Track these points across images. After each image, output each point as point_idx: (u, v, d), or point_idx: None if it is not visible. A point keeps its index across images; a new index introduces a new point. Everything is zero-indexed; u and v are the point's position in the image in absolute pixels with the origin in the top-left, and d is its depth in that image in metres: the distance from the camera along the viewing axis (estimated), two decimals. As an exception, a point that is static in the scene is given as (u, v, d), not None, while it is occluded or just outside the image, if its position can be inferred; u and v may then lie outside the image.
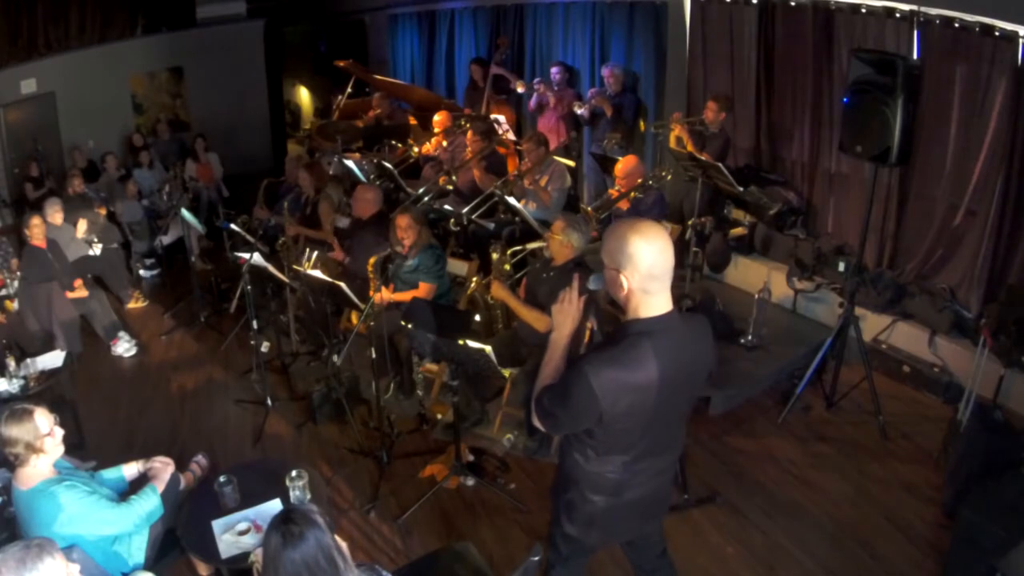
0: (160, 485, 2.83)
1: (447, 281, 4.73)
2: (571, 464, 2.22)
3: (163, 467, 2.94)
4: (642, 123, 5.78)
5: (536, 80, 6.83)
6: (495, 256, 4.34)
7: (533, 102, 6.88)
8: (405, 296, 4.49)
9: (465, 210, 5.44)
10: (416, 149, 6.75)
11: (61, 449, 2.60)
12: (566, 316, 2.14)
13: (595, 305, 4.14)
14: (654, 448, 2.18)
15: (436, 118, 6.89)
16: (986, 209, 4.37)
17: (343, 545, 2.28)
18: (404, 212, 4.55)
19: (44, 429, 2.51)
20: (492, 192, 5.42)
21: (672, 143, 5.59)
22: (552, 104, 6.74)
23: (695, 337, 2.12)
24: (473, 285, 4.46)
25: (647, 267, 1.94)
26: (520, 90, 6.83)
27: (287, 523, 1.87)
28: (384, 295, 4.31)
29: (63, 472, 2.64)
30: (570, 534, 2.31)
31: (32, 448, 2.49)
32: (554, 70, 6.75)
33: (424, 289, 4.48)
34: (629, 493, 2.20)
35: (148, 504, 2.72)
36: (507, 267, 4.29)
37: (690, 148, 5.32)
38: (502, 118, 7.04)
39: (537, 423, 2.14)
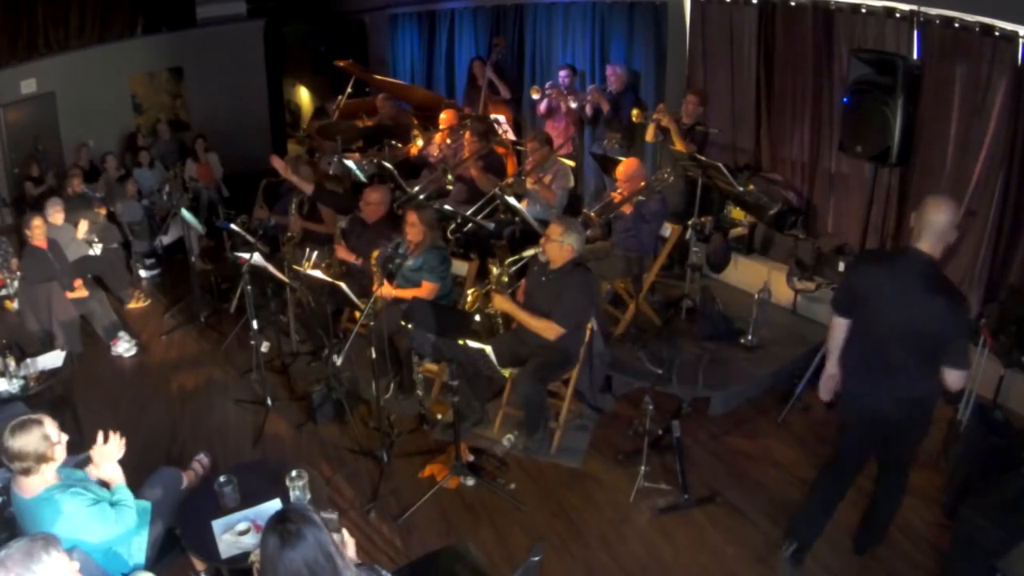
0: (108, 478, 2.73)
1: (450, 283, 4.72)
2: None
3: (100, 457, 2.75)
4: (634, 112, 5.79)
5: (548, 84, 6.76)
6: (494, 271, 4.29)
7: (543, 107, 6.76)
8: (407, 293, 4.49)
9: (468, 212, 5.43)
10: (420, 142, 6.76)
11: (64, 454, 2.60)
12: None
13: (596, 307, 4.16)
14: None
15: (443, 116, 6.89)
16: (986, 209, 4.37)
17: (350, 541, 2.26)
18: (415, 209, 4.53)
19: (54, 438, 2.51)
20: (495, 194, 5.42)
21: (649, 136, 5.65)
22: (564, 110, 6.64)
23: None
24: (471, 298, 4.43)
25: None
26: (535, 96, 6.72)
27: (284, 523, 1.86)
28: (386, 291, 4.31)
29: (63, 475, 2.63)
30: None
31: (44, 458, 2.48)
32: (562, 73, 6.64)
33: (427, 288, 4.47)
34: None
35: (128, 502, 2.69)
36: (505, 279, 4.27)
37: (676, 140, 5.31)
38: (502, 118, 7.03)
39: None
